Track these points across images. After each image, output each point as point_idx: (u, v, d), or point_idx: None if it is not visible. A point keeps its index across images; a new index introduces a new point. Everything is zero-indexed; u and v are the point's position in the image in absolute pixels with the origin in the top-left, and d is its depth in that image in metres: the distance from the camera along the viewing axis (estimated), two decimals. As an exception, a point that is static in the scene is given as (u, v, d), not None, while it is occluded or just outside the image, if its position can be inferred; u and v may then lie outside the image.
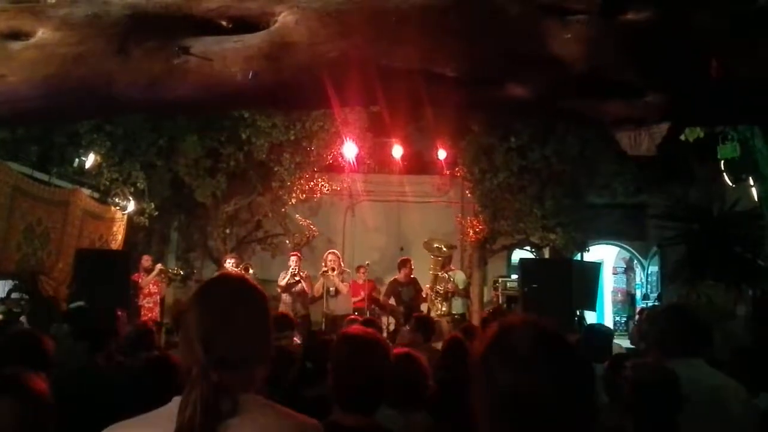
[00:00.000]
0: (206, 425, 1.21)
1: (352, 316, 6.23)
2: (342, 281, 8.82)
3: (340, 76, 2.90)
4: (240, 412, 1.26)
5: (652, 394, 2.28)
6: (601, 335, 4.51)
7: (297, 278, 8.85)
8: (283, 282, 8.90)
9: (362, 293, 9.11)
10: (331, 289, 8.76)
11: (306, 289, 8.90)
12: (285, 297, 8.91)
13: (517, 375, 1.12)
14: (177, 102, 2.81)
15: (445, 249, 8.75)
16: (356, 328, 2.58)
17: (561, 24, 2.88)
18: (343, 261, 9.23)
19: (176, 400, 1.27)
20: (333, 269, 8.73)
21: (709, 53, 2.89)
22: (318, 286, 8.88)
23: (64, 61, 2.59)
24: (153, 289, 8.77)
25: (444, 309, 8.38)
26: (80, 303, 6.37)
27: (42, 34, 2.63)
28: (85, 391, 2.59)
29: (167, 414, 1.26)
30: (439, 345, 4.78)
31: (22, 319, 6.55)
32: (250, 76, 2.59)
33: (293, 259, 9.09)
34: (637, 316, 10.06)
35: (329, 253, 9.06)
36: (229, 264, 9.07)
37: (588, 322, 9.49)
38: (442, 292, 8.48)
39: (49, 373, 2.39)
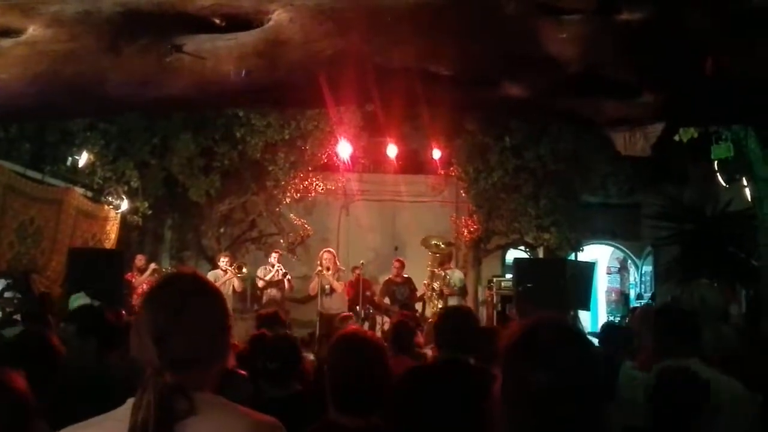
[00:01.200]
0: (160, 426, 1.19)
1: (345, 314, 6.21)
2: (337, 280, 8.80)
3: (335, 75, 2.88)
4: (197, 412, 1.23)
5: (675, 397, 2.27)
6: (622, 332, 4.41)
7: (288, 277, 8.89)
8: (267, 277, 8.91)
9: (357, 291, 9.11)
10: (326, 287, 8.74)
11: (287, 288, 8.96)
12: (271, 292, 8.91)
13: (542, 372, 1.14)
14: (169, 100, 2.78)
15: (443, 246, 8.75)
16: (352, 328, 2.56)
17: (557, 23, 2.87)
18: (338, 260, 9.21)
19: (131, 402, 1.24)
20: (328, 268, 8.71)
21: (705, 53, 2.89)
22: (313, 285, 8.87)
23: (55, 58, 2.56)
24: (146, 288, 8.72)
25: (440, 307, 8.38)
26: (79, 295, 6.26)
27: (32, 31, 2.59)
28: (95, 392, 2.56)
29: (121, 415, 1.23)
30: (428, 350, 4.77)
31: (17, 317, 6.48)
32: (242, 75, 2.57)
33: (274, 256, 9.15)
34: (629, 315, 10.10)
35: (325, 251, 9.04)
36: (223, 263, 9.06)
37: (581, 322, 9.52)
38: (437, 290, 8.48)
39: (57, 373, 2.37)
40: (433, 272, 8.63)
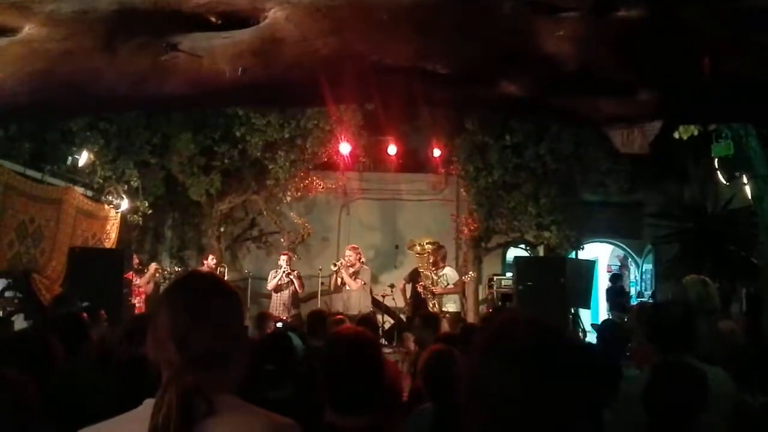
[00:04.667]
0: (181, 427, 1.18)
1: (338, 316, 6.09)
2: (356, 275, 8.51)
3: (332, 73, 2.88)
4: (216, 413, 1.22)
5: (670, 395, 2.25)
6: (616, 330, 4.36)
7: (290, 278, 8.81)
8: (273, 282, 8.84)
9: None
10: (345, 286, 8.57)
11: (297, 288, 8.86)
12: (276, 297, 8.86)
13: (504, 373, 1.10)
14: (165, 98, 2.78)
15: (427, 246, 8.67)
16: (346, 327, 2.55)
17: (553, 22, 2.86)
18: (339, 259, 9.11)
19: (148, 402, 1.23)
20: (335, 264, 8.58)
21: (701, 51, 2.88)
22: (332, 282, 8.78)
23: (51, 57, 2.56)
24: (151, 289, 8.75)
25: (436, 307, 8.35)
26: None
27: (28, 29, 2.59)
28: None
29: (140, 416, 1.22)
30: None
31: (14, 318, 6.48)
32: (238, 73, 2.56)
33: (284, 258, 9.04)
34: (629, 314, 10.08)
35: (347, 248, 8.87)
36: (212, 261, 9.12)
37: (581, 320, 9.53)
38: (430, 289, 8.44)
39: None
40: (422, 273, 8.57)
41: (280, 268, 8.88)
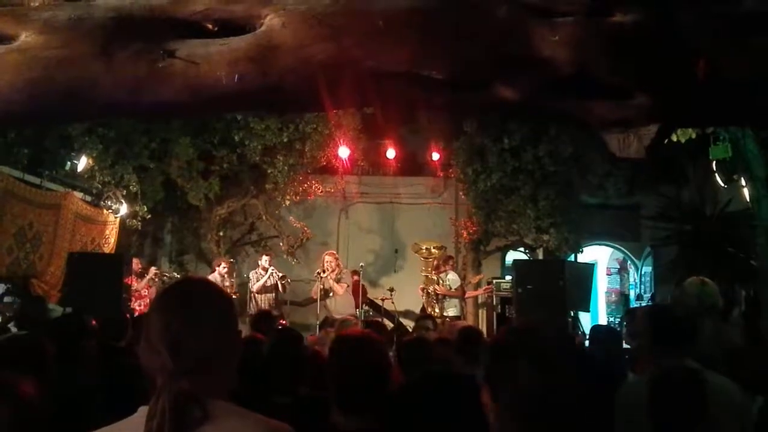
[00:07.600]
0: None
1: (346, 317, 6.09)
2: (338, 282, 8.57)
3: (328, 79, 2.89)
4: (211, 419, 1.22)
5: (675, 399, 2.24)
6: (609, 334, 4.37)
7: (282, 280, 8.83)
8: (259, 284, 8.82)
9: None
10: (329, 291, 8.61)
11: (281, 290, 8.90)
12: (261, 298, 8.84)
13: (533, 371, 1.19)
14: (162, 105, 2.79)
15: (434, 250, 8.70)
16: (351, 328, 2.56)
17: (549, 26, 2.87)
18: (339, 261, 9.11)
19: (142, 410, 1.23)
20: (325, 270, 8.60)
21: (697, 54, 2.89)
22: (314, 289, 8.81)
23: (48, 64, 2.57)
24: (143, 291, 8.74)
25: (437, 311, 8.35)
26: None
27: (25, 37, 2.60)
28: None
29: (134, 424, 1.22)
30: None
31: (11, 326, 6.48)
32: (235, 79, 2.57)
33: (266, 258, 9.02)
34: (626, 317, 10.05)
35: (326, 254, 8.90)
36: (223, 269, 9.07)
37: (581, 323, 9.52)
38: (432, 294, 8.45)
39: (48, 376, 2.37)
40: (427, 277, 8.58)
41: (264, 270, 8.85)
